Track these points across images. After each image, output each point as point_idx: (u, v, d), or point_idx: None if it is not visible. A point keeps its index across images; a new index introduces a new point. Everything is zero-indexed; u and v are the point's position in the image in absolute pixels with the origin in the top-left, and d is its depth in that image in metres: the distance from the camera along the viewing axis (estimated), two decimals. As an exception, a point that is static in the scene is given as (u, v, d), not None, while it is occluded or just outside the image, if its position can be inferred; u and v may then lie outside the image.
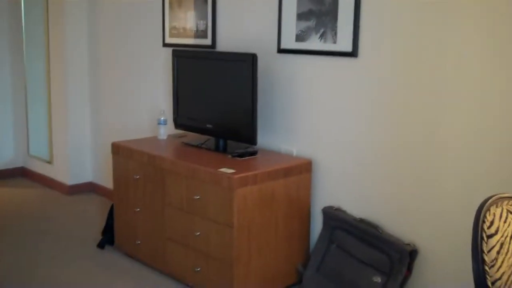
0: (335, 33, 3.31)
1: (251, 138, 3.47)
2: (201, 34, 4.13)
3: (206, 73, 3.73)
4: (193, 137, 3.96)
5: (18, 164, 5.95)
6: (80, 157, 5.34)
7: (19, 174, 5.94)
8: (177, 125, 3.97)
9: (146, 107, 4.74)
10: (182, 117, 3.92)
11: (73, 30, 5.15)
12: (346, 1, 3.24)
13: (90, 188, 5.41)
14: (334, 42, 3.32)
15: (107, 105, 5.17)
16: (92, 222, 4.60)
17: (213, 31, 4.04)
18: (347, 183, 3.37)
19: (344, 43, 3.27)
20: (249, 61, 3.40)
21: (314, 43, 3.42)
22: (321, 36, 3.38)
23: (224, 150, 3.65)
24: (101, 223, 4.41)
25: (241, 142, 3.57)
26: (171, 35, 4.38)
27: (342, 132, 3.36)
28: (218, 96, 3.67)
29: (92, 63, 5.27)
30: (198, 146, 3.74)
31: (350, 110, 3.31)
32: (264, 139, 3.75)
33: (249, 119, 3.45)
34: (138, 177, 3.69)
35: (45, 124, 5.52)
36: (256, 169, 3.25)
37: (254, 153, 3.54)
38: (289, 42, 3.56)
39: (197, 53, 3.82)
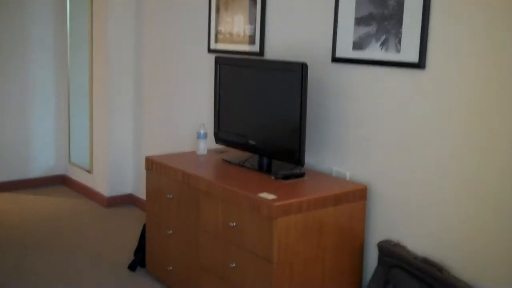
0: (399, 41, 2.85)
1: (298, 158, 3.05)
2: (249, 39, 3.74)
3: (251, 83, 3.33)
4: (235, 154, 3.56)
5: (60, 171, 5.72)
6: (120, 168, 5.05)
7: (60, 182, 5.71)
8: (218, 139, 3.59)
9: (189, 118, 4.38)
10: (224, 131, 3.54)
11: (118, 37, 4.87)
12: (413, 3, 2.78)
13: (129, 200, 5.10)
14: (398, 51, 2.86)
15: (150, 115, 4.85)
16: (127, 239, 4.27)
17: (262, 37, 3.64)
18: (409, 214, 2.89)
19: (409, 52, 2.81)
20: (298, 71, 2.99)
21: (374, 51, 2.97)
22: (383, 43, 2.93)
23: (268, 170, 3.24)
24: (136, 241, 4.08)
25: (287, 162, 3.15)
26: (217, 40, 4.01)
27: (405, 154, 2.89)
28: (263, 110, 3.27)
29: (136, 71, 4.96)
30: (239, 165, 3.34)
31: (415, 130, 2.84)
32: (313, 159, 3.32)
33: (296, 137, 3.03)
34: (171, 196, 3.32)
35: (87, 131, 5.26)
36: (302, 194, 2.83)
37: (301, 175, 3.11)
38: (345, 50, 3.12)
39: (241, 61, 3.43)
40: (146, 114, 4.90)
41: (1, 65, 5.30)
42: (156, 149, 4.76)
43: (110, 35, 4.83)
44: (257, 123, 3.32)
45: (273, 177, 3.07)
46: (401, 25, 2.84)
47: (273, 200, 2.69)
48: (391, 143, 2.95)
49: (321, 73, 3.26)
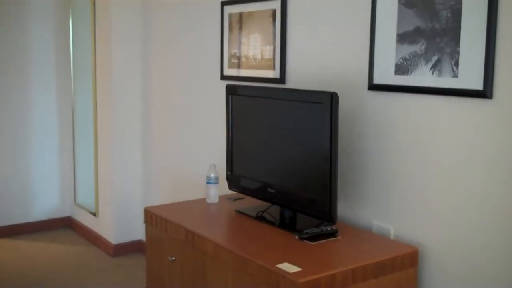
0: (456, 62, 2.20)
1: (328, 213, 2.41)
2: (267, 64, 3.14)
3: (270, 118, 2.72)
4: (252, 202, 2.94)
5: (65, 213, 5.17)
6: (128, 211, 4.46)
7: (66, 225, 5.15)
8: (231, 185, 2.97)
9: (200, 158, 3.78)
10: (238, 176, 2.92)
11: (122, 67, 4.33)
12: (474, 13, 2.14)
13: (138, 248, 4.51)
14: (455, 76, 2.22)
15: (159, 152, 4.27)
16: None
17: (282, 60, 3.03)
18: (474, 286, 2.22)
19: (470, 77, 2.17)
20: (327, 102, 2.36)
21: (423, 76, 2.33)
22: (434, 66, 2.29)
23: (292, 226, 2.61)
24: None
25: (314, 217, 2.51)
26: (230, 66, 3.42)
27: (468, 207, 2.23)
28: (285, 150, 2.64)
29: (144, 104, 4.40)
30: (256, 218, 2.71)
31: (481, 175, 2.18)
32: (349, 211, 2.67)
33: (325, 185, 2.40)
34: (174, 259, 2.71)
35: (93, 171, 4.70)
36: (334, 263, 2.18)
37: (332, 234, 2.47)
38: (385, 75, 2.49)
39: (257, 90, 2.82)
40: (155, 152, 4.32)
41: (1, 96, 4.79)
42: (166, 192, 4.17)
43: (114, 65, 4.29)
44: (277, 167, 2.69)
45: (297, 237, 2.43)
46: (459, 42, 2.20)
47: (296, 274, 2.05)
48: (450, 191, 2.29)
49: (355, 104, 2.63)
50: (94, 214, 4.70)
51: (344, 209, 2.69)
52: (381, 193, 2.56)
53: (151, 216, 2.86)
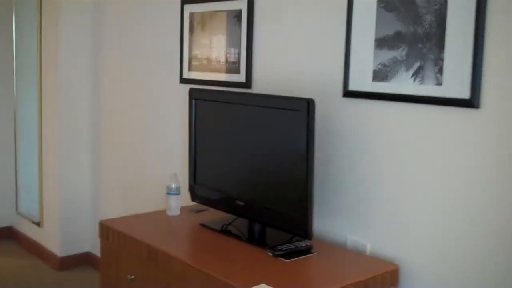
0: (440, 69, 2.09)
1: (304, 228, 2.25)
2: (231, 67, 2.96)
3: (238, 125, 2.54)
4: (215, 214, 2.75)
5: (5, 223, 4.82)
6: (75, 221, 4.18)
7: (6, 236, 4.80)
8: (194, 196, 2.78)
9: (158, 166, 3.56)
10: (202, 187, 2.73)
11: (70, 67, 4.06)
12: (460, 18, 2.03)
13: (86, 260, 4.23)
14: (438, 83, 2.10)
15: (113, 160, 4.01)
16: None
17: (248, 64, 2.86)
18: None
19: (455, 85, 2.06)
20: (303, 109, 2.21)
21: (403, 84, 2.21)
22: (416, 73, 2.17)
23: (261, 241, 2.45)
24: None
25: (288, 232, 2.35)
26: (191, 68, 3.22)
27: (448, 221, 2.12)
28: (255, 160, 2.47)
29: (94, 107, 4.13)
30: (222, 232, 2.53)
31: (463, 189, 2.07)
32: (321, 224, 2.52)
33: (301, 199, 2.24)
34: (133, 277, 2.49)
35: (37, 178, 4.40)
36: (314, 285, 2.03)
37: (307, 251, 2.31)
38: (362, 81, 2.36)
39: (224, 95, 2.64)
40: (107, 158, 4.07)
41: None
42: (119, 201, 3.92)
43: (61, 66, 4.01)
44: (247, 178, 2.52)
45: (270, 254, 2.26)
46: (443, 48, 2.08)
47: (275, 297, 1.89)
48: (429, 205, 2.17)
49: (328, 112, 2.48)
50: (38, 224, 4.39)
51: (316, 223, 2.54)
52: (356, 206, 2.42)
53: (107, 230, 2.63)
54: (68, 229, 4.15)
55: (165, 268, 2.30)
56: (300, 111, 2.22)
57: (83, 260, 4.21)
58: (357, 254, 2.35)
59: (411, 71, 2.19)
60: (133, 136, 3.77)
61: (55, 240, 4.19)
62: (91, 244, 4.21)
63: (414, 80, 2.18)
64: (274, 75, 2.75)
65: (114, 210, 3.94)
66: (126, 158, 3.85)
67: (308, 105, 2.19)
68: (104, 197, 4.10)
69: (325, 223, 2.53)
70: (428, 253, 2.18)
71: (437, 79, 2.11)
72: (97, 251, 4.03)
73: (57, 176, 4.11)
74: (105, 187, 4.09)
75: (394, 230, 2.29)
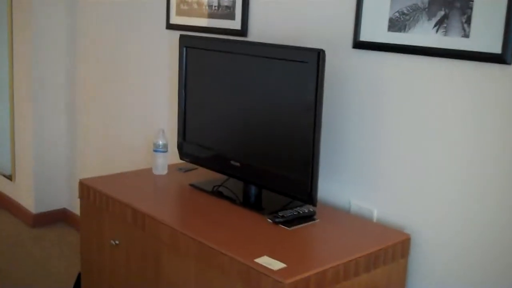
0: (468, 19, 1.86)
1: (308, 194, 2.04)
2: (225, 12, 2.68)
3: (236, 77, 2.29)
4: (206, 174, 2.52)
5: (-26, 175, 4.54)
6: (50, 176, 3.93)
7: (-25, 189, 4.52)
8: (183, 154, 2.54)
9: (142, 121, 3.29)
10: (192, 144, 2.49)
11: (45, 10, 3.73)
12: (497, -38, 1.79)
13: (62, 217, 4.00)
14: (465, 36, 1.87)
15: (92, 112, 3.73)
16: (58, 278, 3.20)
17: (244, 9, 2.59)
18: (477, 278, 1.93)
19: (485, 37, 1.83)
20: (311, 61, 1.96)
21: (424, 34, 1.98)
22: (439, 23, 1.93)
23: (257, 205, 2.24)
24: (68, 281, 3.02)
25: (290, 197, 2.14)
26: (179, 13, 2.93)
27: (465, 187, 1.92)
28: (254, 117, 2.24)
29: (70, 54, 3.82)
30: (213, 193, 2.31)
31: (489, 153, 1.86)
32: (323, 186, 2.31)
33: (305, 161, 2.02)
34: (117, 242, 2.27)
35: (8, 128, 4.10)
36: (322, 257, 1.84)
37: (309, 217, 2.11)
38: (375, 31, 2.11)
39: (221, 44, 2.37)
40: (85, 110, 3.78)
41: None
42: (98, 157, 3.67)
43: (34, 13, 3.68)
44: (243, 136, 2.28)
45: (270, 221, 2.05)
46: (473, -5, 1.85)
47: (281, 271, 1.68)
48: (446, 169, 1.97)
49: (336, 64, 2.24)
50: (9, 178, 4.12)
51: (319, 185, 2.33)
52: (361, 168, 2.21)
53: (87, 190, 2.39)
54: (42, 185, 3.90)
55: (153, 235, 2.07)
56: (308, 63, 1.98)
57: (58, 217, 3.98)
58: (364, 221, 2.15)
59: (434, 21, 1.95)
60: (114, 88, 3.49)
61: (28, 195, 3.93)
62: (67, 200, 3.97)
63: (437, 30, 1.94)
64: (272, 22, 2.49)
65: (93, 167, 3.69)
66: (107, 112, 3.58)
67: (318, 57, 1.94)
68: (82, 152, 3.83)
69: (327, 184, 2.33)
70: (441, 221, 1.99)
71: (464, 30, 1.87)
72: (73, 208, 3.81)
73: (30, 129, 3.82)
74: (83, 142, 3.82)
75: (403, 195, 2.09)
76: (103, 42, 3.53)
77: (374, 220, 2.18)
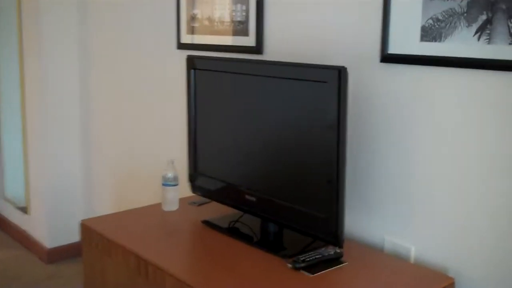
0: (516, 24, 1.56)
1: (334, 233, 1.75)
2: (238, 28, 2.43)
3: (249, 101, 2.03)
4: (222, 206, 2.25)
5: (-9, 208, 4.37)
6: (65, 208, 3.72)
7: (-8, 222, 4.35)
8: (195, 188, 2.28)
9: (153, 150, 3.05)
10: (204, 176, 2.23)
11: (55, 35, 3.53)
12: (550, -47, 1.49)
13: (78, 252, 3.74)
14: (513, 43, 1.58)
15: (103, 142, 3.52)
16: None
17: (259, 24, 2.33)
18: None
19: (539, 44, 1.53)
20: (333, 80, 1.69)
21: (463, 44, 1.68)
22: (481, 29, 1.64)
23: (277, 245, 1.97)
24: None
25: (311, 235, 1.86)
26: (190, 31, 2.69)
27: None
28: (271, 145, 1.96)
29: (82, 82, 3.62)
30: (229, 231, 2.04)
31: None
32: (351, 221, 2.02)
33: (329, 195, 1.74)
34: (120, 291, 2.02)
35: (22, 158, 3.91)
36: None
37: (335, 260, 1.82)
38: (406, 42, 1.83)
39: (231, 64, 2.11)
40: (97, 140, 3.57)
41: None
42: (112, 187, 3.45)
43: (45, 37, 3.49)
44: (259, 167, 2.01)
45: (290, 266, 1.77)
46: (521, -5, 1.55)
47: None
48: (497, 202, 1.66)
49: (362, 82, 1.96)
50: (24, 211, 3.92)
51: (346, 220, 2.04)
52: (397, 199, 1.92)
53: (89, 232, 2.14)
54: (57, 217, 3.68)
55: (158, 283, 1.81)
56: (328, 83, 1.70)
57: (74, 252, 3.74)
58: (400, 262, 1.86)
59: (475, 27, 1.66)
60: (129, 117, 3.25)
61: (42, 228, 3.72)
62: (84, 233, 3.74)
63: (479, 38, 1.65)
64: (290, 37, 2.22)
65: (108, 198, 3.47)
66: (119, 141, 3.35)
67: (339, 75, 1.67)
68: (97, 183, 3.62)
69: (356, 220, 2.04)
70: (490, 261, 1.68)
71: (510, 37, 1.58)
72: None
73: (44, 161, 3.62)
74: (96, 172, 3.60)
75: (445, 229, 1.79)
76: (114, 65, 3.31)
77: (412, 259, 1.88)
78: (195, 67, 2.21)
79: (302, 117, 1.82)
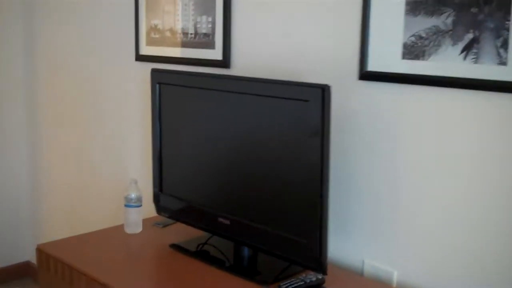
0: (504, 42, 1.52)
1: (317, 259, 1.67)
2: (203, 40, 2.33)
3: (221, 118, 1.92)
4: (188, 227, 2.13)
5: None
6: (10, 226, 3.49)
7: None
8: (160, 208, 2.16)
9: (110, 167, 2.90)
10: (170, 196, 2.11)
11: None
12: (541, -28, 1.46)
13: (26, 272, 3.56)
14: (501, 63, 1.54)
15: (53, 159, 3.33)
16: None
17: (226, 36, 2.23)
18: None
19: (529, 64, 1.49)
20: (314, 100, 1.61)
21: (449, 62, 1.64)
22: (468, 48, 1.60)
23: (250, 269, 1.87)
24: None
25: (292, 261, 1.77)
26: (150, 42, 2.57)
27: (502, 245, 1.57)
28: (243, 165, 1.86)
29: (28, 95, 3.42)
30: (198, 255, 1.93)
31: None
32: (331, 242, 1.94)
33: (311, 217, 1.66)
34: (83, 324, 1.87)
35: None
36: None
37: (318, 286, 1.73)
38: (387, 59, 1.77)
39: (201, 79, 2.00)
40: (47, 158, 3.37)
41: None
42: (64, 205, 3.26)
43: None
44: (233, 188, 1.91)
45: (270, 294, 1.68)
46: (510, 12, 1.51)
47: None
48: (484, 223, 1.62)
49: (338, 100, 1.88)
50: (-35, 230, 3.67)
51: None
52: (378, 220, 1.86)
53: (47, 258, 1.98)
54: (2, 236, 3.46)
55: (127, 317, 1.68)
56: (309, 102, 1.62)
57: (21, 272, 3.54)
58: (382, 286, 1.79)
59: (461, 45, 1.61)
60: (79, 131, 3.09)
61: (-14, 248, 3.50)
62: (31, 252, 3.53)
63: (465, 57, 1.60)
64: (260, 51, 2.13)
65: (59, 216, 3.28)
66: (73, 156, 3.17)
67: (322, 94, 1.59)
68: (47, 198, 3.42)
69: (333, 241, 1.96)
70: (478, 283, 1.64)
71: (499, 56, 1.54)
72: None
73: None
74: (45, 189, 3.40)
75: (430, 253, 1.74)
76: (66, 77, 3.13)
77: (394, 284, 1.82)
78: (161, 81, 2.08)
79: (280, 136, 1.73)
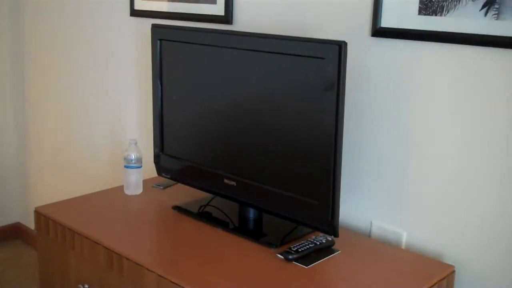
0: (528, -1, 1.46)
1: (329, 222, 1.63)
2: (204, -6, 2.23)
3: (227, 76, 1.85)
4: (190, 188, 2.07)
5: None
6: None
7: None
8: (162, 169, 2.09)
9: (108, 128, 2.81)
10: (172, 157, 2.04)
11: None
12: None
13: (15, 234, 3.50)
14: (525, 19, 1.48)
15: (44, 118, 3.23)
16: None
17: (229, -10, 2.14)
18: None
19: (554, 21, 1.44)
20: (331, 57, 1.54)
21: (468, 18, 1.57)
22: (489, 4, 1.54)
23: (256, 231, 1.83)
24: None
25: (303, 224, 1.73)
26: (146, -4, 2.46)
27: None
28: (252, 122, 1.80)
29: (16, 53, 3.29)
30: (201, 216, 1.88)
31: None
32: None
33: (323, 178, 1.61)
34: (86, 287, 1.82)
35: None
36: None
37: (328, 248, 1.70)
38: (402, 15, 1.70)
39: (206, 36, 1.91)
40: (38, 117, 3.27)
41: None
42: (54, 164, 3.18)
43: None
44: (240, 147, 1.85)
45: (281, 257, 1.64)
46: (536, -33, 1.45)
47: None
48: (495, 182, 1.59)
49: (350, 58, 1.82)
50: (-49, 191, 3.59)
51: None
52: (387, 184, 1.82)
53: (46, 222, 1.92)
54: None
55: (135, 282, 1.63)
56: (325, 60, 1.55)
57: (11, 233, 3.48)
58: (394, 249, 1.76)
59: (481, 1, 1.55)
60: (72, 90, 2.98)
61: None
62: (21, 213, 3.47)
63: (486, 13, 1.54)
64: (264, 6, 2.05)
65: (48, 177, 3.20)
66: (64, 117, 3.07)
67: (339, 51, 1.52)
68: (36, 158, 3.33)
69: (342, 201, 1.92)
70: (491, 246, 1.62)
71: (522, 12, 1.48)
72: (28, 223, 3.33)
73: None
74: (37, 147, 3.31)
75: (439, 215, 1.71)
76: (56, 32, 3.01)
77: (403, 246, 1.80)
78: (162, 37, 1.99)
79: (293, 95, 1.67)
